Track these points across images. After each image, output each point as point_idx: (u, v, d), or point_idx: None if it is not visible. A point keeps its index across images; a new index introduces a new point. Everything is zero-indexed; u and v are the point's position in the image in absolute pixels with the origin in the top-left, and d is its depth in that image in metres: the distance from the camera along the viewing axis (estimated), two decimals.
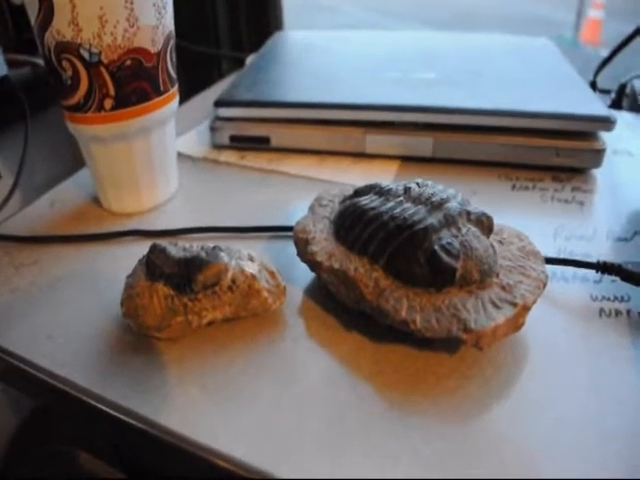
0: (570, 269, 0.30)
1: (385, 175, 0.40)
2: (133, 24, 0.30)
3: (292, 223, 0.32)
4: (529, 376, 0.24)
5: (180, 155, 0.43)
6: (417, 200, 0.27)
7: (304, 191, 0.38)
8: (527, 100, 0.40)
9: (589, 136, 0.38)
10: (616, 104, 0.54)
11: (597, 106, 0.39)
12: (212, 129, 0.43)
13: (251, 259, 0.27)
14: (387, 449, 0.21)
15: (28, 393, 0.29)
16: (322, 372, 0.24)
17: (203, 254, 0.25)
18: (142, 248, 0.33)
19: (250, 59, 0.56)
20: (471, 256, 0.24)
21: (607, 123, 0.38)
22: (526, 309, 0.23)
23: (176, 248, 0.26)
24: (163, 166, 0.36)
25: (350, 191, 0.31)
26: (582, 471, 0.20)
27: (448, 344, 0.25)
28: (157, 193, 0.36)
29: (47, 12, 0.29)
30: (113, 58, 0.30)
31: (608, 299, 0.28)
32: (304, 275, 0.30)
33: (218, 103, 0.42)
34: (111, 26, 0.29)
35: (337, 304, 0.27)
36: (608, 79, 0.55)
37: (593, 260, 0.28)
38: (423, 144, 0.40)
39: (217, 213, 0.36)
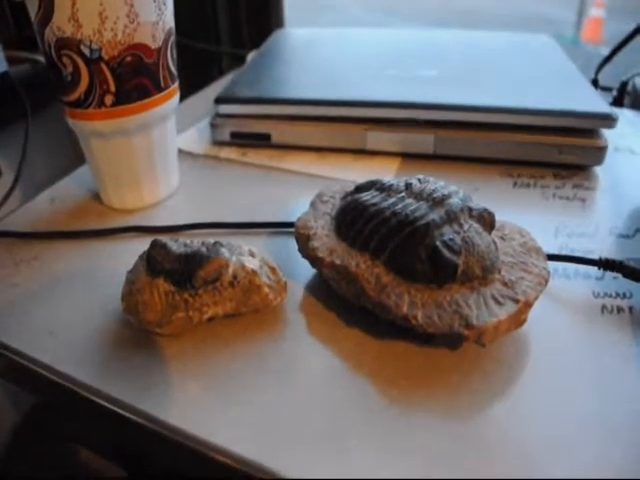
0: (572, 266, 0.30)
1: (386, 172, 0.40)
2: (133, 20, 0.30)
3: (293, 219, 0.32)
4: (531, 372, 0.24)
5: (181, 152, 0.43)
6: (419, 196, 0.26)
7: (305, 187, 0.38)
8: (528, 97, 0.40)
9: (591, 133, 0.38)
10: (617, 102, 0.54)
11: (599, 103, 0.39)
12: (213, 126, 0.43)
13: (252, 255, 0.27)
14: (388, 446, 0.21)
15: (28, 389, 0.29)
16: (323, 368, 0.24)
17: (204, 250, 0.25)
18: (143, 244, 0.33)
19: (251, 56, 0.56)
20: (473, 252, 0.24)
21: (609, 120, 0.37)
22: (528, 305, 0.23)
23: (177, 244, 0.26)
24: (164, 162, 0.36)
25: (351, 187, 0.31)
26: (584, 468, 0.20)
27: (450, 340, 0.25)
28: (158, 189, 0.36)
29: (47, 8, 0.29)
30: (113, 54, 0.30)
31: (610, 296, 0.28)
32: (305, 271, 0.30)
33: (219, 100, 0.42)
34: (111, 22, 0.29)
35: (338, 300, 0.27)
36: (609, 77, 0.55)
37: (595, 257, 0.28)
38: (424, 141, 0.40)
39: (218, 209, 0.36)
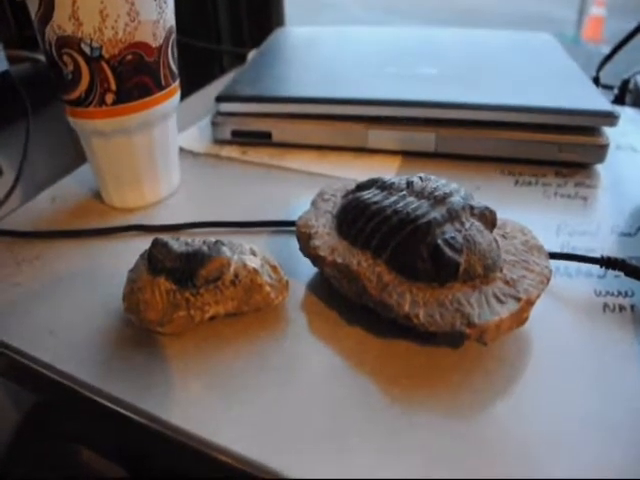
0: (574, 264, 0.30)
1: (387, 170, 0.40)
2: (134, 18, 0.30)
3: (294, 218, 0.31)
4: (533, 371, 0.23)
5: (182, 150, 0.43)
6: (420, 194, 0.26)
7: (306, 186, 0.38)
8: (530, 95, 0.40)
9: (592, 131, 0.38)
10: (619, 100, 0.54)
11: (600, 101, 0.39)
12: (213, 124, 0.43)
13: (253, 253, 0.27)
14: (390, 445, 0.21)
15: (30, 388, 0.29)
16: (324, 366, 0.24)
17: (205, 248, 0.25)
18: (144, 243, 0.32)
19: (251, 54, 0.56)
20: (474, 250, 0.24)
21: (610, 118, 0.37)
22: (530, 304, 0.23)
23: (178, 242, 0.26)
24: (165, 161, 0.36)
25: (352, 185, 0.31)
26: (585, 467, 0.20)
27: (451, 339, 0.25)
28: (159, 188, 0.36)
29: (48, 7, 0.29)
30: (114, 53, 0.30)
31: (612, 294, 0.28)
32: (306, 270, 0.29)
33: (219, 98, 0.42)
34: (112, 20, 0.29)
35: (340, 299, 0.27)
36: (610, 76, 0.55)
37: (597, 255, 0.28)
38: (425, 139, 0.40)
39: (219, 208, 0.36)
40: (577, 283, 0.28)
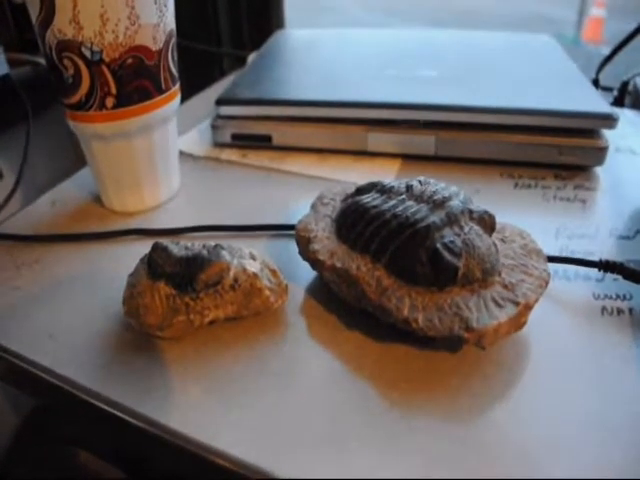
0: (572, 268, 0.30)
1: (387, 173, 0.40)
2: (134, 22, 0.30)
3: (294, 221, 0.32)
4: (531, 375, 0.24)
5: (182, 154, 0.43)
6: (419, 198, 0.26)
7: (306, 189, 0.38)
8: (529, 97, 0.40)
9: (592, 134, 0.38)
10: (618, 102, 0.54)
11: (600, 103, 0.39)
12: (213, 127, 0.43)
13: (253, 258, 0.27)
14: (389, 448, 0.21)
15: (29, 392, 0.29)
16: (324, 371, 0.24)
17: (205, 253, 0.25)
18: (144, 247, 0.33)
19: (251, 57, 0.56)
20: (473, 255, 0.24)
21: (610, 120, 0.37)
22: (528, 308, 0.23)
23: (178, 247, 0.26)
24: (165, 165, 0.36)
25: (352, 189, 0.31)
26: (584, 470, 0.20)
27: (450, 343, 0.25)
28: (159, 192, 0.36)
29: (48, 10, 0.29)
30: (114, 56, 0.30)
31: (610, 298, 0.28)
32: (306, 274, 0.30)
33: (219, 101, 0.42)
34: (112, 24, 0.29)
35: (339, 303, 0.27)
36: (610, 77, 0.55)
37: (595, 258, 0.28)
38: (425, 142, 0.40)
39: (219, 212, 0.36)
40: (575, 286, 0.28)
